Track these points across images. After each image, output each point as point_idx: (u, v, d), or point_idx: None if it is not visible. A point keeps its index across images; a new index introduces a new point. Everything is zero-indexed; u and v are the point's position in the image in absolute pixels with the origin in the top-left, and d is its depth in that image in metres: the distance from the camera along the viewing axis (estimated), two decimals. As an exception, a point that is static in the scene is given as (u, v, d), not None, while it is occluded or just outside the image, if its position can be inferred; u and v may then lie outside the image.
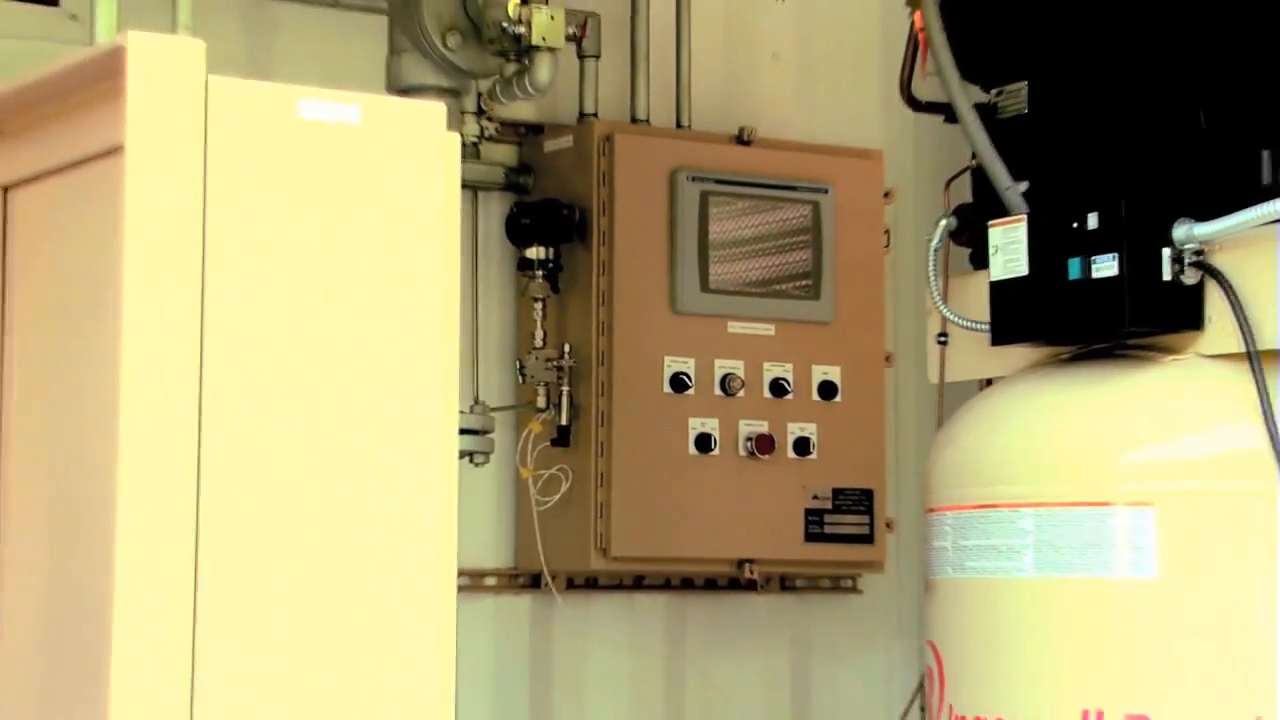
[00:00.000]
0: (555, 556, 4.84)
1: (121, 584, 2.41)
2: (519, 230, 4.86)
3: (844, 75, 5.39)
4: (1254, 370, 3.37)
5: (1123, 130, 3.64)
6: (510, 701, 4.96)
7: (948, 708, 3.67)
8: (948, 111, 3.80)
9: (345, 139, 2.60)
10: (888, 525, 5.08)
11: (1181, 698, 3.38)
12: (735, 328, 4.89)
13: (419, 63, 4.19)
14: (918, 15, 3.80)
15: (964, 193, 3.90)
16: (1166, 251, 3.47)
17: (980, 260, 3.75)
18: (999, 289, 3.64)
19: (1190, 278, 3.47)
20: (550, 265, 4.85)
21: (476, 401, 4.73)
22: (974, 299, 3.76)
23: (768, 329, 4.92)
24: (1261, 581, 3.40)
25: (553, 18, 4.04)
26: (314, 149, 2.58)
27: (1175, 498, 3.44)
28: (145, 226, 2.46)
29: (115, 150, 2.48)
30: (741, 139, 5.00)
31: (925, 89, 4.01)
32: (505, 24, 4.03)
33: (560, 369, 4.82)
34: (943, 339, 3.93)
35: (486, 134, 4.79)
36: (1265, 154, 3.45)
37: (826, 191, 5.01)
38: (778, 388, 4.91)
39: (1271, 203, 3.35)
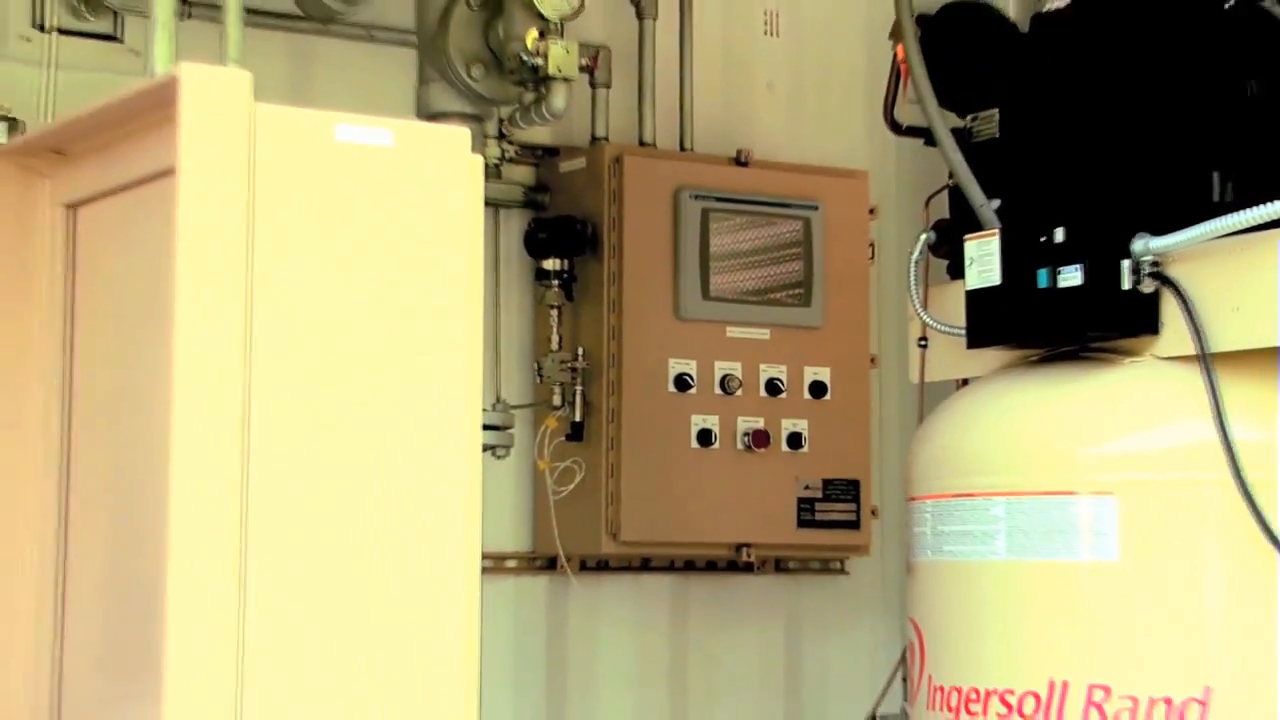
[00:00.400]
0: (570, 541, 4.84)
1: (175, 562, 2.42)
2: (536, 244, 4.86)
3: (832, 103, 5.39)
4: (1205, 371, 3.37)
5: (1086, 153, 3.63)
6: (529, 673, 4.97)
7: (927, 678, 3.67)
8: (927, 135, 3.80)
9: (378, 160, 2.61)
10: (873, 512, 5.07)
11: (1139, 669, 3.38)
12: (733, 332, 4.89)
13: (446, 91, 4.19)
14: (900, 48, 3.79)
15: (942, 209, 3.90)
16: (1126, 263, 3.47)
17: (957, 271, 3.75)
18: (974, 297, 3.64)
19: (1147, 287, 3.47)
20: (565, 276, 4.85)
21: (498, 400, 4.73)
22: (951, 306, 3.76)
23: (763, 333, 4.92)
24: (1212, 564, 3.39)
25: (567, 50, 4.04)
26: (350, 170, 2.60)
27: (1134, 487, 3.44)
28: (195, 241, 2.47)
29: (169, 172, 2.49)
30: (739, 160, 5.00)
31: (906, 115, 4.01)
32: (524, 56, 4.03)
33: (574, 370, 4.82)
34: (923, 342, 3.93)
35: (507, 156, 4.79)
36: (1215, 175, 3.45)
37: (816, 208, 5.00)
38: (772, 387, 4.91)
39: (1221, 219, 3.34)
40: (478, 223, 2.69)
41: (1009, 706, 3.48)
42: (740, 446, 4.86)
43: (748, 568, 5.05)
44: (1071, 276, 3.47)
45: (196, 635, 2.42)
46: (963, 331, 3.69)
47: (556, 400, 4.83)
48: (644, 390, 4.78)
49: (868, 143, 5.26)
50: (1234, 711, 3.33)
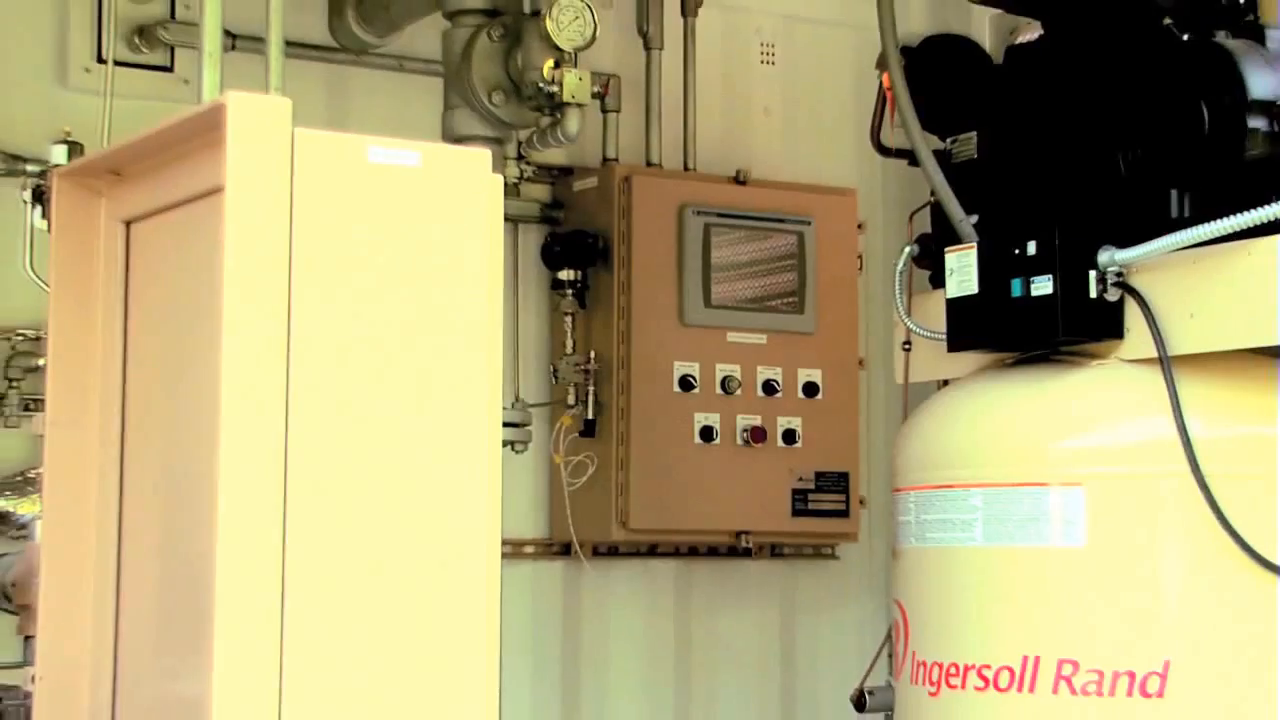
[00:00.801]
0: (583, 528, 4.85)
1: (223, 544, 2.42)
2: (552, 256, 4.87)
3: (823, 126, 5.39)
4: (1165, 372, 3.37)
5: (1056, 173, 3.63)
6: (545, 650, 4.97)
7: (911, 655, 3.66)
8: (910, 156, 3.79)
9: (407, 180, 2.60)
10: (861, 502, 5.08)
11: (1104, 645, 3.37)
12: (733, 337, 4.90)
13: (469, 116, 4.19)
14: (885, 76, 3.79)
15: (924, 224, 3.89)
16: (1093, 273, 3.45)
17: (938, 281, 3.74)
18: (954, 305, 3.63)
19: (1113, 295, 3.46)
20: (578, 285, 4.86)
21: (517, 399, 4.73)
22: (933, 313, 3.75)
23: (760, 338, 4.93)
24: (1171, 549, 3.38)
25: (580, 79, 4.04)
26: (381, 188, 2.59)
27: (1100, 479, 3.43)
28: (241, 253, 2.47)
29: (216, 190, 2.49)
30: (738, 179, 5.01)
31: (891, 138, 4.00)
32: (541, 84, 4.03)
33: (587, 372, 4.83)
34: (907, 346, 3.92)
35: (525, 175, 4.81)
36: (1174, 193, 3.44)
37: (809, 223, 5.01)
38: (769, 387, 4.92)
39: (1179, 233, 3.34)
40: (498, 237, 2.68)
41: (985, 680, 3.47)
42: (739, 442, 4.87)
43: (746, 553, 5.05)
44: (1043, 286, 3.46)
45: (242, 611, 2.42)
46: (943, 336, 3.68)
47: (571, 399, 4.84)
48: (651, 390, 4.79)
49: (856, 163, 5.27)
50: (1190, 683, 3.32)
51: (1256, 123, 3.35)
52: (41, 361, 3.43)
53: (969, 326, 3.61)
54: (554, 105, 4.08)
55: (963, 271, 3.60)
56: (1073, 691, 3.38)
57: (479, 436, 2.63)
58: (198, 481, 2.51)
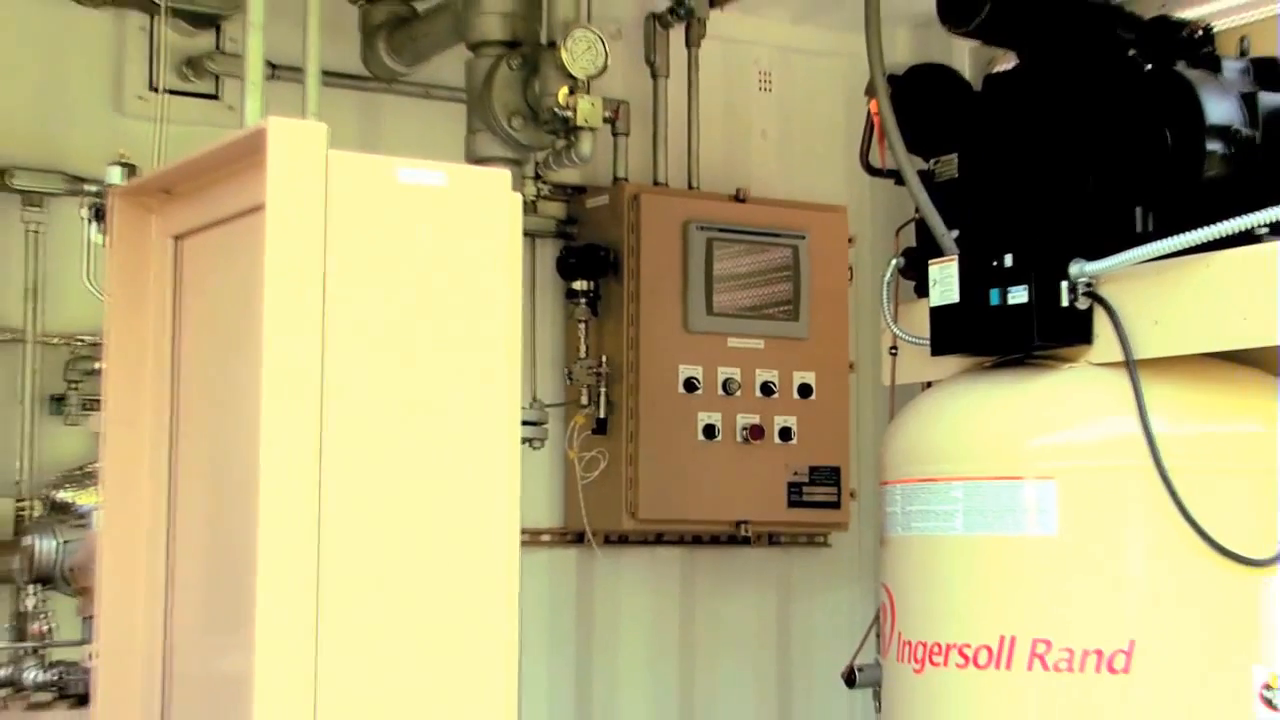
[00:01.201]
0: (595, 518, 4.85)
1: (264, 530, 2.44)
2: (567, 268, 4.88)
3: (816, 148, 5.39)
4: (1131, 375, 3.36)
5: (1031, 192, 3.62)
6: (561, 630, 4.97)
7: (897, 634, 3.65)
8: (896, 176, 3.77)
9: (434, 198, 2.61)
10: (851, 495, 5.08)
11: (1075, 625, 3.35)
12: (733, 342, 4.90)
13: (490, 139, 4.18)
14: (873, 103, 3.78)
15: (909, 238, 3.88)
16: (1064, 284, 3.44)
17: (922, 290, 3.73)
18: (937, 312, 3.62)
19: (1083, 304, 3.44)
20: (591, 295, 4.87)
21: (535, 400, 4.74)
22: (918, 320, 3.74)
23: (758, 343, 4.93)
24: (1135, 537, 3.37)
25: (593, 105, 4.04)
26: (409, 205, 2.60)
27: (1071, 473, 3.41)
28: (281, 265, 2.48)
29: (259, 208, 2.50)
30: (738, 197, 5.01)
31: (880, 159, 4.00)
32: (557, 110, 4.03)
33: (599, 374, 4.83)
34: (894, 351, 3.91)
35: (542, 194, 4.83)
36: (1138, 210, 3.43)
37: (803, 238, 5.02)
38: (766, 389, 4.92)
39: (1143, 247, 3.33)
40: (517, 250, 2.69)
41: (966, 658, 3.46)
42: (739, 439, 4.87)
43: (745, 541, 5.04)
44: (1019, 295, 3.45)
45: (281, 593, 2.43)
46: (927, 342, 3.66)
47: (584, 400, 4.84)
48: (658, 391, 4.80)
49: (846, 182, 5.27)
50: (1153, 660, 3.31)
51: (1214, 146, 3.34)
52: (99, 365, 3.46)
53: (951, 333, 3.60)
54: (568, 129, 4.09)
55: (945, 282, 3.59)
56: (1046, 668, 3.37)
57: (500, 434, 2.64)
58: (241, 474, 2.51)
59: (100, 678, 2.85)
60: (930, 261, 3.64)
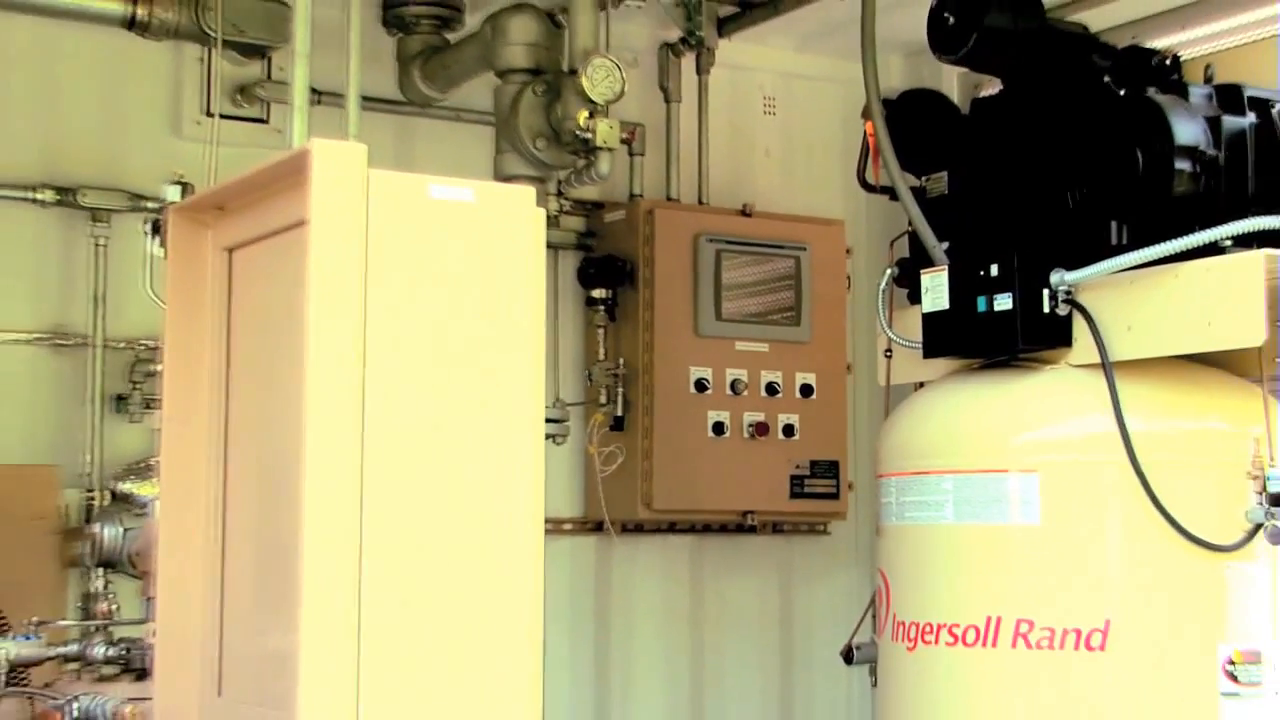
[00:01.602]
0: (613, 509, 4.84)
1: (309, 518, 2.44)
2: (587, 277, 4.88)
3: (816, 166, 5.38)
4: (1107, 375, 3.36)
5: (1014, 206, 3.62)
6: (581, 613, 4.96)
7: (892, 615, 3.64)
8: (891, 192, 3.78)
9: (463, 213, 2.61)
10: (849, 486, 5.06)
11: (1055, 606, 3.35)
12: (741, 346, 4.89)
13: (516, 159, 4.19)
14: (869, 124, 3.79)
15: (902, 249, 3.87)
16: (1046, 292, 3.44)
17: (915, 298, 3.73)
18: (928, 318, 3.62)
19: (1063, 310, 3.44)
20: (609, 302, 4.86)
21: (557, 399, 4.71)
22: (911, 325, 3.74)
23: (763, 347, 4.92)
24: (1111, 525, 3.37)
25: (611, 127, 4.04)
26: (441, 220, 2.59)
27: (1053, 467, 3.41)
28: (323, 275, 2.48)
29: (303, 222, 2.50)
30: (744, 212, 5.01)
31: (875, 176, 4.00)
32: (577, 131, 4.04)
33: (616, 376, 4.83)
34: (888, 354, 3.90)
35: (563, 209, 4.82)
36: (1113, 224, 3.43)
37: (805, 249, 5.01)
38: (771, 389, 4.91)
39: (1118, 258, 3.33)
40: (541, 261, 2.68)
41: (955, 636, 3.45)
42: (746, 435, 4.87)
43: (751, 530, 5.04)
44: (1004, 302, 3.45)
45: (325, 576, 2.43)
46: (920, 345, 3.66)
47: (603, 399, 4.83)
48: (671, 391, 4.79)
49: (844, 198, 5.25)
50: (1127, 638, 3.32)
51: (1182, 165, 3.34)
52: (158, 367, 3.46)
53: (941, 337, 3.60)
54: (588, 149, 4.09)
55: (936, 290, 3.59)
56: (1029, 646, 3.37)
57: (525, 431, 2.63)
58: (288, 468, 2.51)
59: (160, 653, 2.85)
60: (922, 271, 3.65)
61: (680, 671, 5.10)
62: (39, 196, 4.29)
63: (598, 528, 4.92)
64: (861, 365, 5.14)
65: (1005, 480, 3.45)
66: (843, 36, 4.66)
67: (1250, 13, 4.43)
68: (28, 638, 3.17)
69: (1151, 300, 3.32)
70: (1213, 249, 3.26)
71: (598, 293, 4.84)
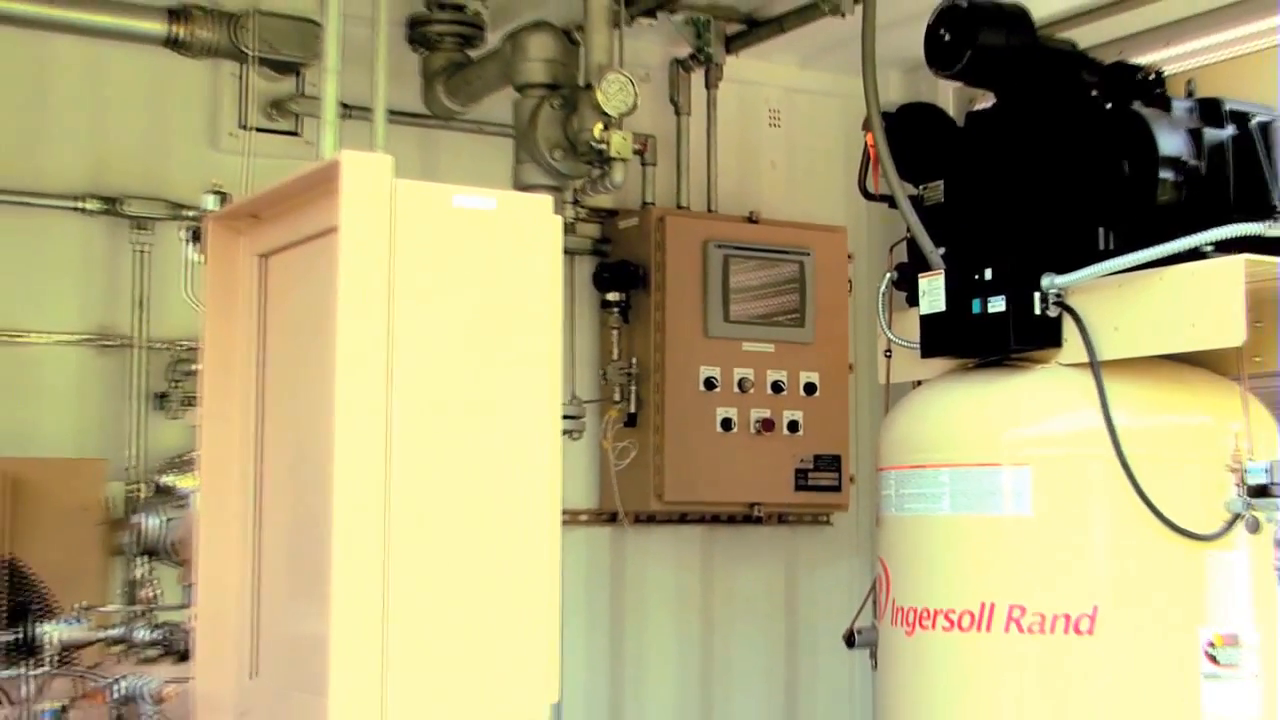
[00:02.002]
0: (626, 501, 4.85)
1: (339, 505, 2.44)
2: (601, 281, 4.89)
3: (819, 176, 5.38)
4: (1095, 374, 3.36)
5: (1007, 214, 3.62)
6: (596, 600, 4.97)
7: (891, 601, 3.64)
8: (890, 200, 3.78)
9: (485, 221, 2.60)
10: (851, 479, 5.06)
11: (1046, 593, 3.35)
12: (748, 346, 4.90)
13: (534, 169, 4.19)
14: (869, 136, 3.78)
15: (902, 255, 3.87)
16: (1037, 295, 3.43)
17: (913, 300, 3.72)
18: (926, 320, 3.61)
19: (1053, 312, 3.43)
20: (623, 305, 4.87)
21: (573, 396, 4.73)
22: (909, 326, 3.73)
23: (769, 347, 4.93)
24: (1099, 516, 3.37)
25: (624, 139, 4.04)
26: (464, 227, 2.59)
27: (1044, 460, 3.41)
28: (352, 279, 2.48)
29: (333, 229, 2.50)
30: (751, 219, 5.01)
31: (875, 185, 4.00)
32: (593, 143, 4.04)
33: (629, 374, 4.83)
34: (888, 354, 3.90)
35: (579, 216, 4.83)
36: (1101, 230, 3.43)
37: (809, 254, 5.01)
38: (776, 387, 4.92)
39: (1105, 263, 3.33)
40: (558, 266, 2.68)
41: (951, 621, 3.45)
42: (752, 431, 4.87)
43: (758, 521, 5.03)
44: (997, 305, 3.45)
45: (354, 562, 2.44)
46: (917, 345, 3.66)
47: (616, 396, 4.84)
48: (681, 389, 4.79)
49: (846, 206, 5.25)
50: (1113, 623, 3.31)
51: (1166, 175, 3.34)
52: (197, 366, 3.48)
53: (938, 337, 3.60)
54: (603, 160, 4.10)
55: (933, 293, 3.59)
56: (1021, 630, 3.36)
57: (543, 427, 2.63)
58: (319, 461, 2.52)
59: (199, 637, 2.86)
60: (920, 275, 3.64)
61: (691, 654, 5.10)
62: (86, 206, 4.31)
63: (612, 519, 4.92)
64: (862, 364, 5.14)
65: (999, 473, 3.44)
66: (844, 53, 4.66)
67: (1229, 30, 4.44)
68: (76, 621, 3.18)
69: (1137, 303, 3.32)
70: (1195, 254, 3.25)
71: (612, 296, 4.85)
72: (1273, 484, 3.23)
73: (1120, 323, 3.35)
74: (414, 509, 2.50)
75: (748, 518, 5.01)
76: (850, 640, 3.88)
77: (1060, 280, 3.43)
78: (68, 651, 3.12)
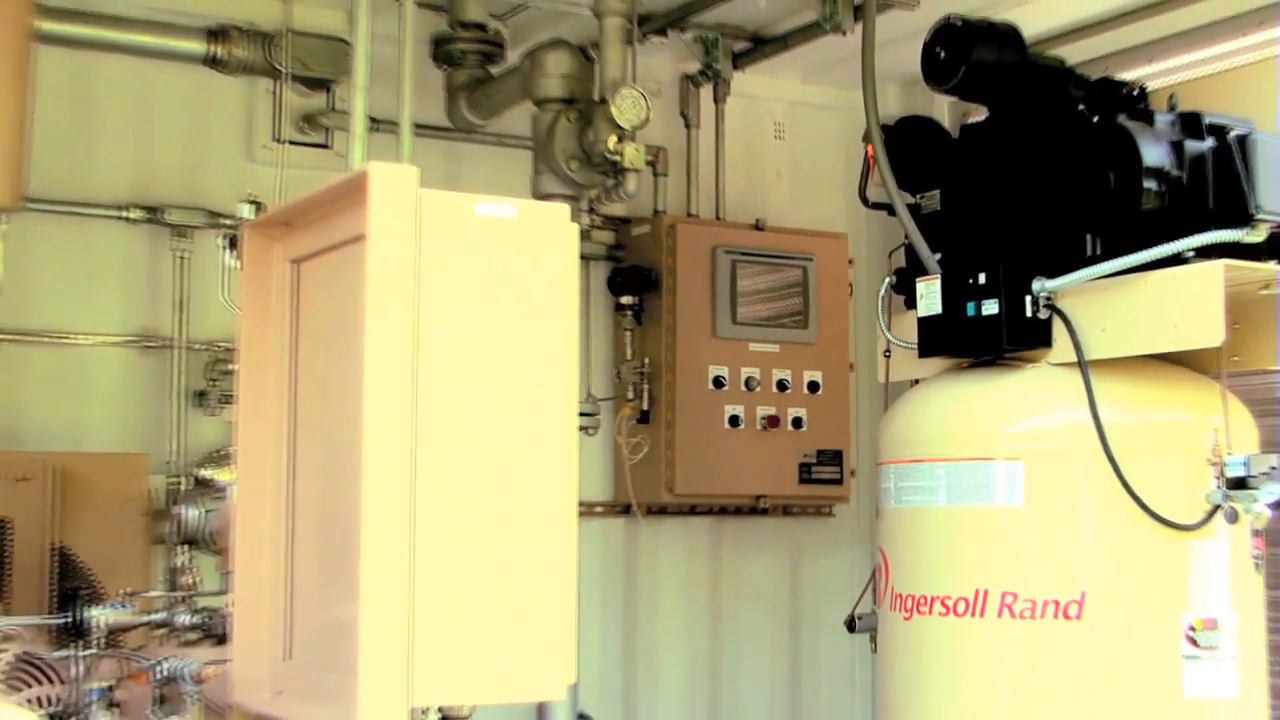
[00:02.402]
0: (639, 493, 4.85)
1: (367, 499, 2.44)
2: (615, 285, 4.89)
3: (821, 185, 5.37)
4: (1083, 373, 3.36)
5: (1000, 221, 3.62)
6: (611, 587, 4.97)
7: (890, 589, 3.64)
8: (889, 208, 3.78)
9: (505, 228, 2.60)
10: (852, 473, 5.06)
11: (1037, 580, 3.35)
12: (754, 347, 4.89)
13: (552, 179, 4.19)
14: (869, 147, 3.79)
15: (900, 260, 3.87)
16: (1029, 298, 3.43)
17: (911, 303, 3.72)
18: (923, 322, 3.61)
19: (1044, 314, 3.43)
20: (636, 308, 4.87)
21: (589, 395, 4.71)
22: (907, 328, 3.73)
23: (774, 347, 4.93)
24: (1086, 508, 3.37)
25: (637, 150, 4.04)
26: (486, 234, 2.59)
27: (1035, 455, 3.40)
28: (380, 284, 2.48)
29: (362, 237, 2.50)
30: (757, 226, 5.01)
31: (874, 194, 4.00)
32: (607, 154, 4.04)
33: (642, 374, 4.84)
34: (887, 354, 3.89)
35: (594, 224, 4.83)
36: (1088, 237, 3.43)
37: (812, 260, 5.01)
38: (781, 385, 4.92)
39: (1093, 268, 3.33)
40: (574, 271, 2.68)
41: (947, 607, 3.45)
42: (759, 427, 4.87)
43: (763, 512, 5.04)
44: (991, 307, 3.44)
45: (383, 551, 2.44)
46: (915, 346, 3.67)
47: (630, 394, 4.84)
48: (691, 388, 4.79)
49: (847, 213, 5.25)
50: (1100, 608, 3.32)
51: (1149, 184, 3.33)
52: (233, 367, 3.49)
53: (935, 338, 3.60)
54: (617, 170, 4.10)
55: (929, 296, 3.59)
56: (1013, 616, 3.36)
57: (560, 423, 2.62)
58: (349, 456, 2.52)
59: (236, 621, 2.86)
60: (917, 279, 3.65)
61: (700, 638, 5.10)
62: (130, 215, 4.34)
63: (626, 510, 4.92)
64: (863, 364, 5.14)
65: (992, 467, 3.44)
66: (845, 69, 4.67)
67: (1210, 48, 4.44)
68: (121, 605, 3.19)
69: (1123, 305, 3.32)
70: (1177, 259, 3.25)
71: (625, 299, 4.85)
72: (1250, 477, 3.23)
73: (1107, 324, 3.35)
74: (438, 501, 2.49)
75: (754, 509, 5.01)
76: (851, 625, 3.88)
77: (1050, 284, 3.43)
78: (114, 634, 3.13)
